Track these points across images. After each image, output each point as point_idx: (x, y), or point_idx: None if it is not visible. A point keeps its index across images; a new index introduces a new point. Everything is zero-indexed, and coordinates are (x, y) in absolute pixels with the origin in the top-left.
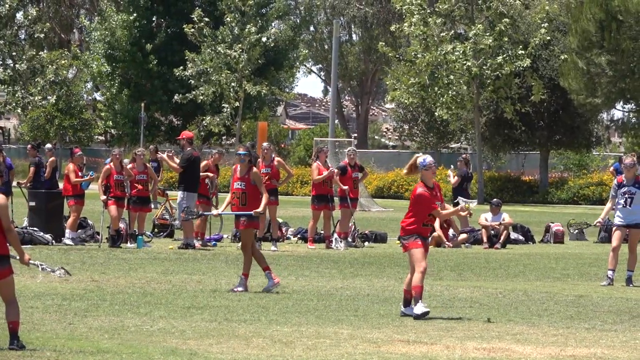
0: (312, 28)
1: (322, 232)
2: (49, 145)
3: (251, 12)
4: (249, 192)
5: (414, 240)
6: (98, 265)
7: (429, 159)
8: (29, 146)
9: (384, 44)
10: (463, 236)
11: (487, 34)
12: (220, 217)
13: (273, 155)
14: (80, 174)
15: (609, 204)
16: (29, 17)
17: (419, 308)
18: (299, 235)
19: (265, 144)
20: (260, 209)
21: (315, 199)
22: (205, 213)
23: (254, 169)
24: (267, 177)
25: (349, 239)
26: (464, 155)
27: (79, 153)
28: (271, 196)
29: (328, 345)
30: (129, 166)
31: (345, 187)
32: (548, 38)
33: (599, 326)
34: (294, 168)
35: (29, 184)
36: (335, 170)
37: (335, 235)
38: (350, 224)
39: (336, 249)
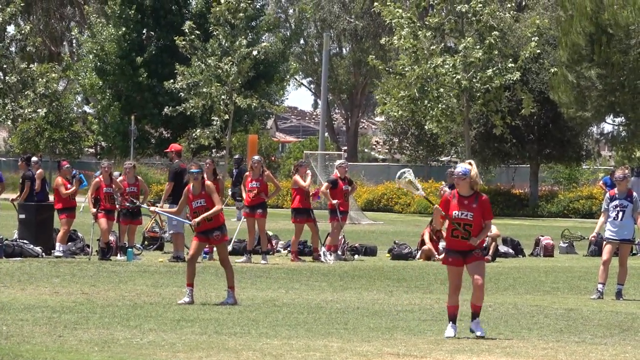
0: (302, 41)
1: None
2: (34, 159)
3: (241, 25)
4: (211, 207)
5: (445, 256)
6: (88, 277)
7: (458, 168)
8: (20, 160)
9: (374, 57)
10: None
11: (477, 47)
12: None
13: (262, 169)
14: (69, 186)
15: (602, 218)
16: (23, 32)
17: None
18: (289, 248)
19: (255, 157)
20: (199, 219)
21: (294, 212)
22: (142, 205)
23: (207, 182)
24: (256, 191)
25: (339, 252)
26: (451, 170)
27: (66, 166)
28: (260, 209)
29: (318, 359)
30: (119, 179)
31: (335, 201)
32: (538, 51)
33: (589, 340)
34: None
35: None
36: (325, 184)
37: (324, 249)
38: (340, 237)
39: (325, 262)
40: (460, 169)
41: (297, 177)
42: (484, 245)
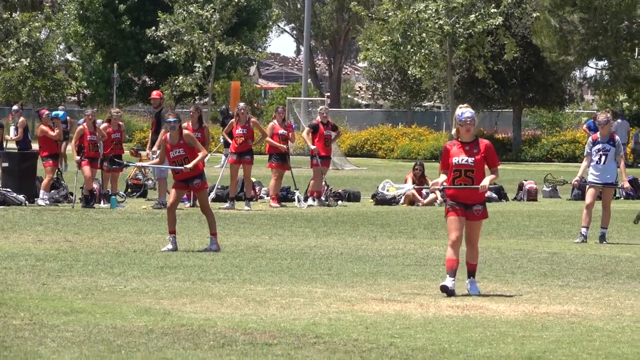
0: None
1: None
2: (15, 107)
3: None
4: (190, 157)
5: (447, 206)
6: (71, 225)
7: (466, 113)
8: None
9: (356, 2)
10: (432, 196)
11: None
12: None
13: (248, 116)
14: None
15: (585, 162)
16: None
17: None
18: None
19: (241, 104)
20: (189, 166)
21: (272, 157)
22: (130, 164)
23: (185, 131)
24: (243, 138)
25: (322, 198)
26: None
27: (46, 113)
28: (246, 156)
29: (302, 304)
30: (103, 126)
31: (314, 147)
32: None
33: (573, 283)
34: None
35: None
36: (306, 129)
37: (298, 194)
38: (322, 183)
39: (299, 208)
40: (469, 114)
41: (271, 125)
42: (484, 200)
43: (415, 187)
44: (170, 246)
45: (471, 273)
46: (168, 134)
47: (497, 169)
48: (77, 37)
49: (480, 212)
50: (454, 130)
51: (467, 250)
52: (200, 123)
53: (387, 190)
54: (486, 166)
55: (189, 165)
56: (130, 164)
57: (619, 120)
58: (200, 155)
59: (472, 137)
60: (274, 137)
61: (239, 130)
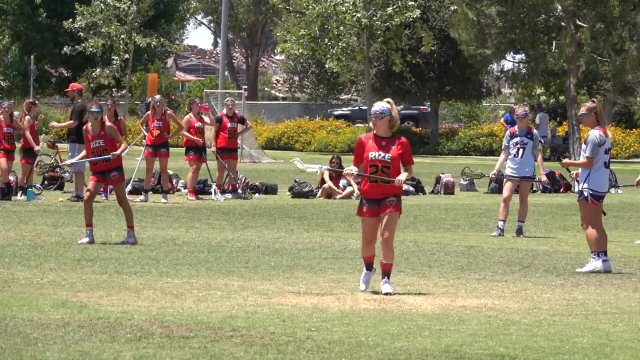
0: None
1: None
2: None
3: None
4: (110, 148)
5: (360, 206)
6: None
7: (375, 107)
8: None
9: None
10: (349, 189)
11: None
12: None
13: (164, 108)
14: None
15: (502, 155)
16: None
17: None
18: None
19: (157, 96)
20: (117, 152)
21: (189, 150)
22: (60, 164)
23: (107, 123)
24: (158, 131)
25: (239, 191)
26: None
27: None
28: (162, 149)
29: (219, 297)
30: (27, 119)
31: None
32: None
33: (490, 277)
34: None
35: None
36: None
37: (214, 187)
38: (240, 176)
39: (216, 200)
40: (377, 108)
41: (187, 118)
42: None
43: (326, 168)
44: (87, 239)
45: (386, 273)
46: (90, 124)
47: (410, 167)
48: None
49: (394, 202)
50: (370, 124)
51: (382, 248)
52: (116, 116)
53: (298, 169)
54: None
55: (116, 153)
56: (60, 164)
57: (542, 113)
58: (122, 146)
59: (389, 133)
60: (190, 130)
61: (154, 123)
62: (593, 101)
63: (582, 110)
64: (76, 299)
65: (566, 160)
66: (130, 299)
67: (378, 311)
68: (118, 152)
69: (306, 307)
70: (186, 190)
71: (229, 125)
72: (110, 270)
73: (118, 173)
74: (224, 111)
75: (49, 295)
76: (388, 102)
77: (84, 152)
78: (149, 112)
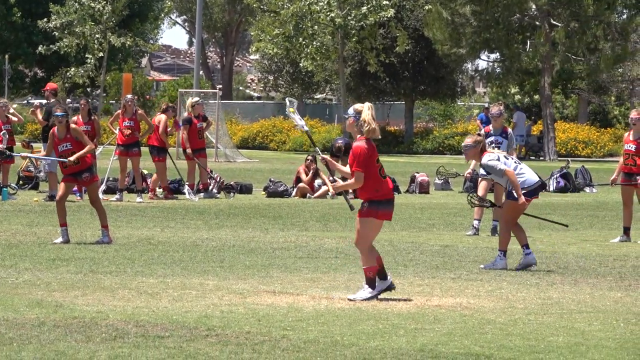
0: None
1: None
2: None
3: None
4: (77, 151)
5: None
6: None
7: (350, 109)
8: None
9: None
10: (324, 188)
11: None
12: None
13: (135, 108)
14: None
15: None
16: None
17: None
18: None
19: (128, 96)
20: (73, 158)
21: (155, 150)
22: (14, 154)
23: (72, 126)
24: (129, 130)
25: (214, 190)
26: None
27: None
28: (134, 148)
29: (194, 297)
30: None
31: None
32: None
33: (465, 276)
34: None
35: None
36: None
37: (187, 187)
38: (216, 175)
39: (191, 200)
40: (349, 110)
41: (163, 118)
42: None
43: (307, 130)
44: (61, 239)
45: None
46: (56, 127)
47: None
48: None
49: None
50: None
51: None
52: (90, 116)
53: (287, 110)
54: None
55: (72, 158)
56: (14, 154)
57: (519, 112)
58: (85, 149)
59: (356, 137)
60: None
61: (125, 123)
62: (479, 134)
63: (468, 141)
64: (51, 299)
65: None
66: (105, 298)
67: (353, 310)
68: (73, 158)
69: (281, 307)
70: (160, 190)
71: (198, 125)
72: (85, 269)
73: (89, 174)
74: (191, 111)
75: (24, 295)
76: (368, 105)
77: (43, 152)
78: (119, 111)
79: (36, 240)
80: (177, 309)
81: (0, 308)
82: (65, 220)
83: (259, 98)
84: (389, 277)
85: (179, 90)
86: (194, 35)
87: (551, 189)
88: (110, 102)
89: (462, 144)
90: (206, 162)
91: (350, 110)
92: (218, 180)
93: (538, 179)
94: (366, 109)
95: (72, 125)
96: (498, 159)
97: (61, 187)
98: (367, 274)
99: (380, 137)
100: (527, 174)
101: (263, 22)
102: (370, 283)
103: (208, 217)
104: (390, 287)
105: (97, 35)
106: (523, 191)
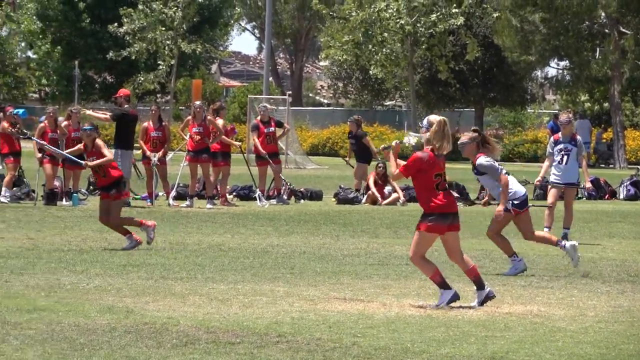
0: None
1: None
2: None
3: None
4: (104, 165)
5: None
6: (34, 223)
7: (425, 120)
8: None
9: (317, 1)
10: (395, 195)
11: None
12: (155, 176)
13: (204, 114)
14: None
15: (547, 162)
16: None
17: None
18: (234, 193)
19: (197, 102)
20: (92, 163)
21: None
22: (32, 137)
23: (97, 141)
24: (199, 136)
25: (284, 197)
26: (354, 117)
27: (10, 111)
28: (203, 154)
29: (264, 303)
30: (64, 124)
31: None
32: None
33: (536, 283)
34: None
35: None
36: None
37: (258, 192)
38: (284, 181)
39: (261, 206)
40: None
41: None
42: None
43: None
44: (130, 244)
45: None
46: (85, 142)
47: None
48: (34, 36)
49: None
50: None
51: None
52: (160, 122)
53: (410, 141)
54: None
55: (92, 163)
56: (31, 137)
57: (580, 120)
58: (104, 158)
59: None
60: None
61: (195, 129)
62: (474, 130)
63: (463, 139)
64: (122, 304)
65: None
66: (176, 304)
67: (424, 317)
68: (93, 163)
69: (352, 313)
70: (231, 196)
71: (265, 130)
72: (156, 275)
73: (116, 191)
74: (259, 118)
75: (95, 301)
76: (435, 118)
77: (70, 150)
78: (189, 117)
79: (107, 246)
80: (248, 315)
81: (72, 314)
82: (126, 229)
83: (328, 105)
84: (486, 287)
85: (249, 96)
86: (264, 42)
87: (621, 196)
88: (180, 108)
89: (458, 142)
90: (281, 167)
91: (425, 122)
92: (289, 186)
93: (525, 190)
94: (435, 125)
95: (98, 141)
96: (494, 163)
97: (99, 207)
98: (434, 281)
99: (448, 151)
100: (515, 186)
101: (332, 29)
102: (443, 285)
103: (278, 224)
104: (489, 296)
105: (167, 42)
106: (516, 202)
